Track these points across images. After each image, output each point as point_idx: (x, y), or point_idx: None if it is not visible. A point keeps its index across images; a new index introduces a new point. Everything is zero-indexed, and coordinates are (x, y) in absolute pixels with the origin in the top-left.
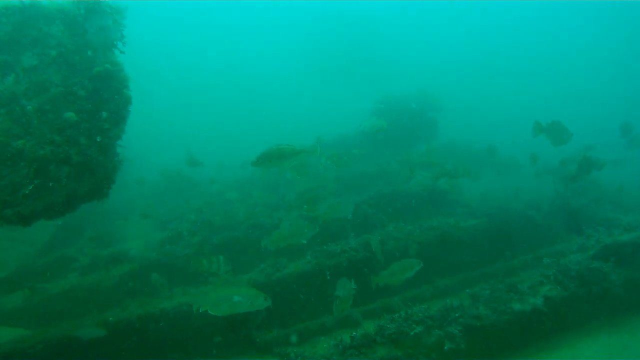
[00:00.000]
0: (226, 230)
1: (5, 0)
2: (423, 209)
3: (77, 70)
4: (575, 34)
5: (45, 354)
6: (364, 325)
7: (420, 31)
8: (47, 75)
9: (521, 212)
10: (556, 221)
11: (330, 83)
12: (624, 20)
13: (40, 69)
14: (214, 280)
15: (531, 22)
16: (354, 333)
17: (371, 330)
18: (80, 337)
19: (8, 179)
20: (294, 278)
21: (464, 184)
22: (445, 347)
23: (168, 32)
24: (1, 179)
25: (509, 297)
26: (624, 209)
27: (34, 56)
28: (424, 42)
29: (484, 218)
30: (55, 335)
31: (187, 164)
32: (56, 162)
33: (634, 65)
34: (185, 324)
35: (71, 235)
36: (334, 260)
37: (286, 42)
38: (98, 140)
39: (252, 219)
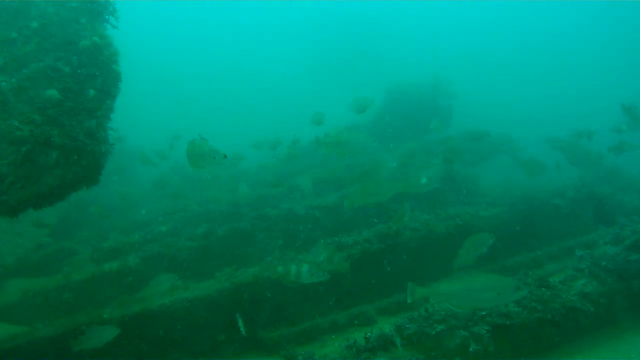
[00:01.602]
0: (231, 222)
1: None
2: (439, 198)
3: (61, 44)
4: (586, 27)
5: (39, 352)
6: (379, 323)
7: (428, 27)
8: (28, 49)
9: (545, 201)
10: (583, 210)
11: (333, 82)
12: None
13: (20, 42)
14: (220, 275)
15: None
16: (369, 333)
17: (388, 330)
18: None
19: None
20: None
21: (480, 172)
22: (471, 349)
23: (172, 32)
24: None
25: (541, 293)
26: None
27: (13, 28)
28: (431, 38)
29: (505, 207)
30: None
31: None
32: (39, 145)
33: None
34: (187, 321)
35: (72, 228)
36: (345, 253)
37: (291, 40)
38: (84, 120)
39: (258, 210)
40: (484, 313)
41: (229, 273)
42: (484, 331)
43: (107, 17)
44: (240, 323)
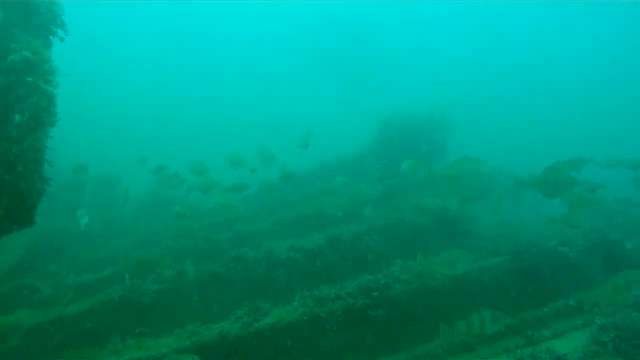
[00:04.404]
0: (207, 261)
1: None
2: (433, 242)
3: None
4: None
5: None
6: None
7: (430, 39)
8: None
9: (552, 250)
10: (593, 259)
11: (331, 90)
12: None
13: None
14: (180, 331)
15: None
16: None
17: None
18: None
19: None
20: (277, 330)
21: (475, 210)
22: None
23: (170, 33)
24: None
25: None
26: None
27: None
28: (433, 52)
29: (507, 256)
30: None
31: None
32: None
33: None
34: None
35: (42, 260)
36: (326, 308)
37: (284, 48)
38: (5, 152)
39: (236, 250)
40: None
41: (191, 330)
42: None
43: (54, 29)
44: None
